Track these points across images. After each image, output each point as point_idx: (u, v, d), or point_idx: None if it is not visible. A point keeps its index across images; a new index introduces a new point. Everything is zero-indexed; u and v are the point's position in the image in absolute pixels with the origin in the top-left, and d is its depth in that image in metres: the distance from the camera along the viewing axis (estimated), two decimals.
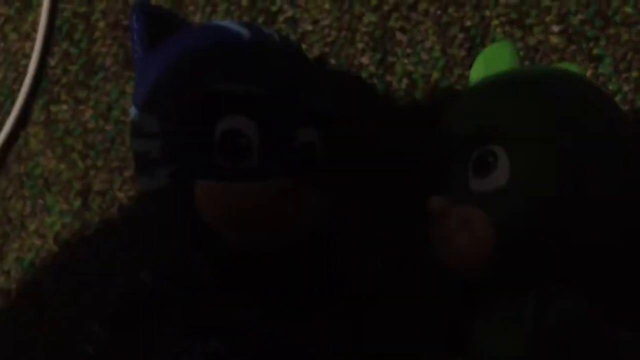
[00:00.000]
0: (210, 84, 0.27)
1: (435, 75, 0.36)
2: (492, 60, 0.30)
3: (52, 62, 0.40)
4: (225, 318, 0.27)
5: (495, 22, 0.36)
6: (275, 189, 0.27)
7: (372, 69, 0.36)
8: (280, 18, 0.38)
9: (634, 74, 0.34)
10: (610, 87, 0.34)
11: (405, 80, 0.36)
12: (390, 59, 0.36)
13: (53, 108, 0.39)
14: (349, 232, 0.34)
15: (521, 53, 0.35)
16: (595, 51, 0.34)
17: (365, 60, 0.36)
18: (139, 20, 0.29)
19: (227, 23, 0.30)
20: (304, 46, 0.37)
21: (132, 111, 0.29)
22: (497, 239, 0.25)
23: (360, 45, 0.37)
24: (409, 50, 0.36)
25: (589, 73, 0.34)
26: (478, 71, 0.30)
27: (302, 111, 0.28)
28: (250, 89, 0.27)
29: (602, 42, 0.34)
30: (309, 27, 0.38)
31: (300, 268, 0.31)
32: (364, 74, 0.36)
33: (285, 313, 0.29)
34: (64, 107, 0.39)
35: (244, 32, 0.29)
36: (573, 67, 0.32)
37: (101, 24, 0.40)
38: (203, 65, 0.27)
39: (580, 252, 0.27)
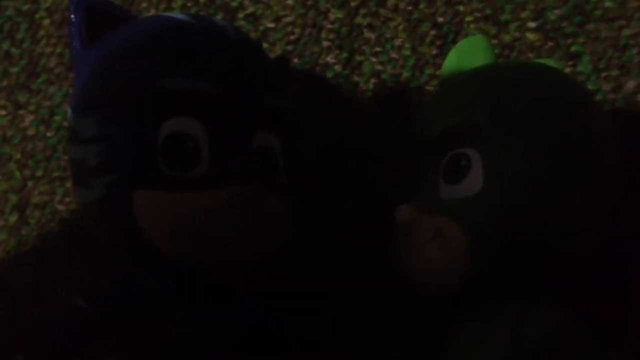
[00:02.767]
0: (153, 81, 0.24)
1: (405, 74, 0.34)
2: (466, 56, 0.28)
3: None
4: (176, 346, 0.25)
5: (468, 18, 0.34)
6: (228, 200, 0.24)
7: (338, 68, 0.35)
8: (241, 15, 0.36)
9: (614, 72, 0.33)
10: (589, 87, 0.33)
11: (373, 81, 0.34)
12: (358, 57, 0.35)
13: None
14: (314, 244, 0.32)
15: (496, 51, 0.33)
16: (573, 48, 0.33)
17: (330, 59, 0.35)
18: (78, 11, 0.27)
19: (172, 14, 0.27)
20: (265, 44, 0.36)
21: (69, 114, 0.26)
22: (471, 250, 0.24)
23: (325, 43, 0.35)
24: (377, 49, 0.35)
25: (566, 71, 0.33)
26: (450, 67, 0.28)
27: (258, 113, 0.26)
28: (198, 87, 0.24)
29: (581, 39, 0.33)
30: (271, 24, 0.36)
31: (266, 288, 0.28)
32: (329, 74, 0.35)
33: (248, 339, 0.27)
34: (2, 112, 0.36)
35: (192, 22, 0.26)
36: (551, 63, 0.30)
37: (46, 22, 0.37)
38: (145, 60, 0.25)
39: (559, 263, 0.25)
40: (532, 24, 0.34)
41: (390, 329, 0.30)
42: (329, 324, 0.31)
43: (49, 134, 0.36)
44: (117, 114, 0.24)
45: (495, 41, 0.34)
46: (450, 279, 0.24)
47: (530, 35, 0.34)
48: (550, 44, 0.33)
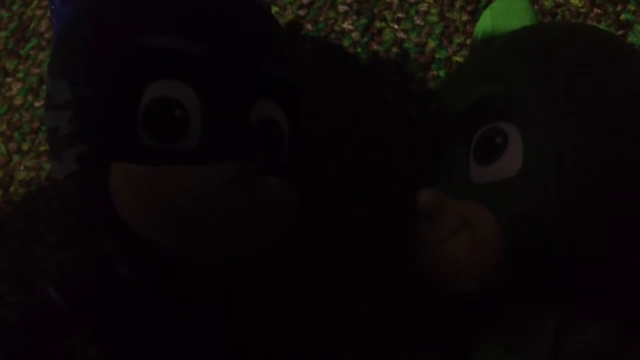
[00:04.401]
0: (137, 38, 0.22)
1: (431, 44, 0.32)
2: (502, 17, 0.26)
3: None
4: (157, 349, 0.23)
5: None
6: (221, 178, 0.21)
7: (355, 36, 0.33)
8: None
9: None
10: None
11: (394, 50, 0.32)
12: (378, 24, 0.33)
13: None
14: (321, 236, 0.30)
15: None
16: (623, 16, 0.31)
17: (347, 25, 0.33)
18: None
19: None
20: (275, 9, 0.34)
21: (46, 78, 0.24)
22: (506, 243, 0.21)
23: (342, 8, 0.33)
24: (400, 14, 0.33)
25: None
26: (484, 30, 0.26)
27: (259, 78, 0.23)
28: (190, 46, 0.22)
29: (632, 6, 0.31)
30: None
31: (262, 286, 0.26)
32: (345, 42, 0.33)
33: (242, 345, 0.24)
34: None
35: None
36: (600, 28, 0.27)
37: None
38: (127, 13, 0.22)
39: (610, 263, 0.22)
40: None
41: (406, 335, 0.28)
42: (335, 327, 0.28)
43: (37, 104, 0.34)
44: (92, 74, 0.22)
45: (535, 7, 0.31)
46: (479, 279, 0.22)
47: (575, 1, 0.32)
48: (597, 10, 0.31)
